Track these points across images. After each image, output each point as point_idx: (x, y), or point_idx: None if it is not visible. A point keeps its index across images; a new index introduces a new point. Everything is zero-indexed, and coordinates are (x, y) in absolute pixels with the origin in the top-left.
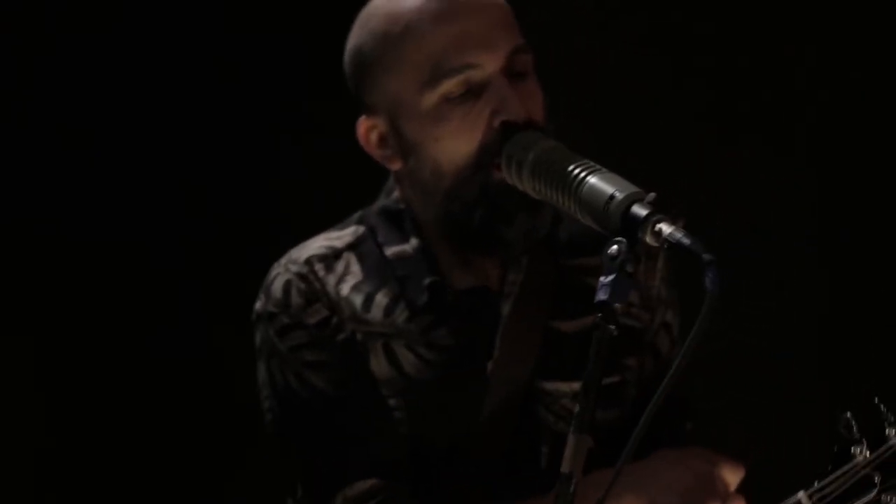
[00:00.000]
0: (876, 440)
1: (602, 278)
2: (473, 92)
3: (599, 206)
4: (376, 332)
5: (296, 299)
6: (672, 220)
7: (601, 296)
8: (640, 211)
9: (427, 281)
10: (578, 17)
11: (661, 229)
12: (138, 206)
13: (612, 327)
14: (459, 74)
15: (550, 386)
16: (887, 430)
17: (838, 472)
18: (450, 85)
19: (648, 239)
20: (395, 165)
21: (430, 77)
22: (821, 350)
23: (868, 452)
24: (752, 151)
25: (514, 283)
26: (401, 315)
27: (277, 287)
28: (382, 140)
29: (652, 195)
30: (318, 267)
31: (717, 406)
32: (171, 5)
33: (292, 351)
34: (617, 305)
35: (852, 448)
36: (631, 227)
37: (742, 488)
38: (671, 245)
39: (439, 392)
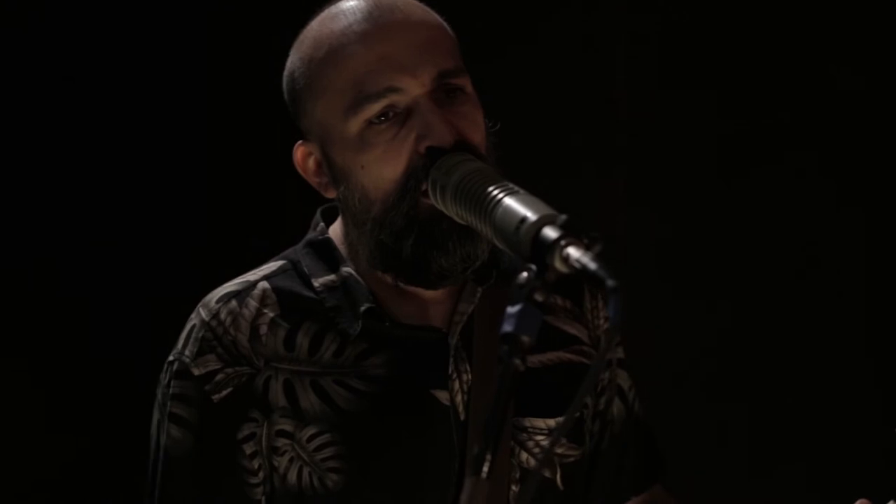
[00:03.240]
0: None
1: (508, 308)
2: (398, 116)
3: (511, 230)
4: (302, 370)
5: (191, 347)
6: (585, 244)
7: (507, 327)
8: (549, 234)
9: (363, 307)
10: (586, 20)
11: (568, 254)
12: (139, 210)
13: (518, 361)
14: (382, 98)
15: (526, 421)
16: None
17: None
18: (372, 109)
19: (557, 264)
20: (331, 193)
21: (353, 101)
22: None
23: None
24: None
25: (463, 314)
26: (327, 350)
27: (183, 332)
28: (319, 167)
29: (564, 217)
30: (230, 307)
31: (717, 408)
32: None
33: (171, 399)
34: (525, 338)
35: None
36: (541, 252)
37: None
38: (577, 271)
39: (374, 424)
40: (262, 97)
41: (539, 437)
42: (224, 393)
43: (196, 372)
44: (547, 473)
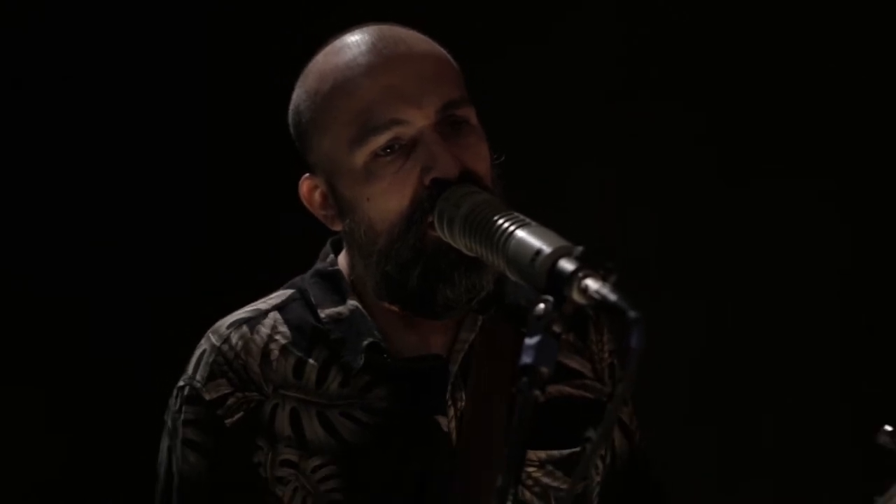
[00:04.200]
0: None
1: (527, 339)
2: (404, 148)
3: (526, 262)
4: (310, 400)
5: (202, 372)
6: (601, 275)
7: (526, 358)
8: (566, 266)
9: (366, 342)
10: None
11: (586, 285)
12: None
13: (538, 392)
14: (387, 130)
15: None
16: None
17: None
18: (378, 141)
19: (575, 296)
20: (337, 226)
21: (359, 134)
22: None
23: None
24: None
25: (464, 342)
26: (333, 381)
27: (193, 358)
28: (325, 199)
29: (580, 249)
30: (241, 332)
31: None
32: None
33: (184, 425)
34: (544, 370)
35: None
36: (558, 284)
37: None
38: (597, 302)
39: (379, 455)
40: (262, 97)
41: (530, 469)
42: (236, 417)
43: (207, 397)
44: None
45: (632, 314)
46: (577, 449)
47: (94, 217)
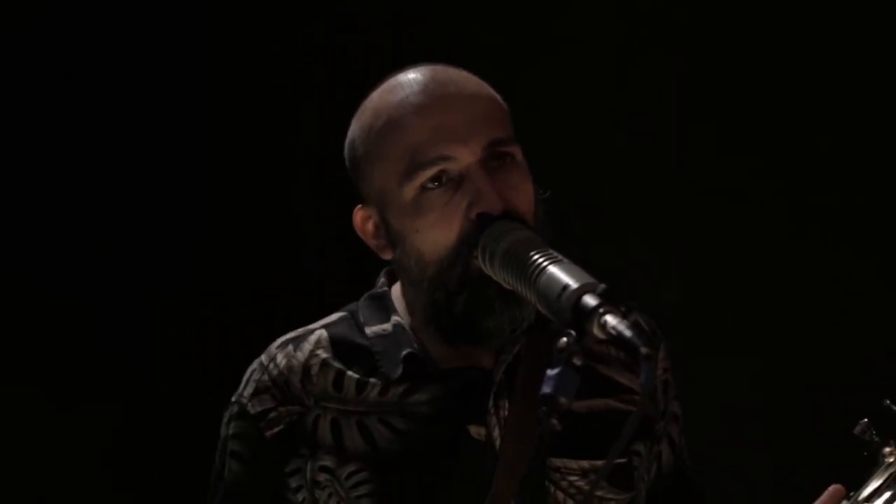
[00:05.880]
0: None
1: (549, 371)
2: (451, 183)
3: (553, 297)
4: (349, 409)
5: (248, 389)
6: (622, 312)
7: (546, 389)
8: (589, 302)
9: (404, 352)
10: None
11: (606, 321)
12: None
13: (555, 421)
14: (434, 166)
15: (559, 462)
16: None
17: (876, 476)
18: (426, 176)
19: (596, 330)
20: (387, 255)
21: (408, 169)
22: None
23: None
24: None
25: (509, 353)
26: (373, 390)
27: (245, 376)
28: (377, 230)
29: (603, 286)
30: (286, 351)
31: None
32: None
33: (231, 438)
34: (563, 400)
35: (884, 449)
36: (581, 318)
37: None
38: (613, 337)
39: (410, 463)
40: (263, 97)
41: (573, 478)
42: (276, 429)
43: (252, 411)
44: None
45: (643, 351)
46: (622, 461)
47: (94, 217)
